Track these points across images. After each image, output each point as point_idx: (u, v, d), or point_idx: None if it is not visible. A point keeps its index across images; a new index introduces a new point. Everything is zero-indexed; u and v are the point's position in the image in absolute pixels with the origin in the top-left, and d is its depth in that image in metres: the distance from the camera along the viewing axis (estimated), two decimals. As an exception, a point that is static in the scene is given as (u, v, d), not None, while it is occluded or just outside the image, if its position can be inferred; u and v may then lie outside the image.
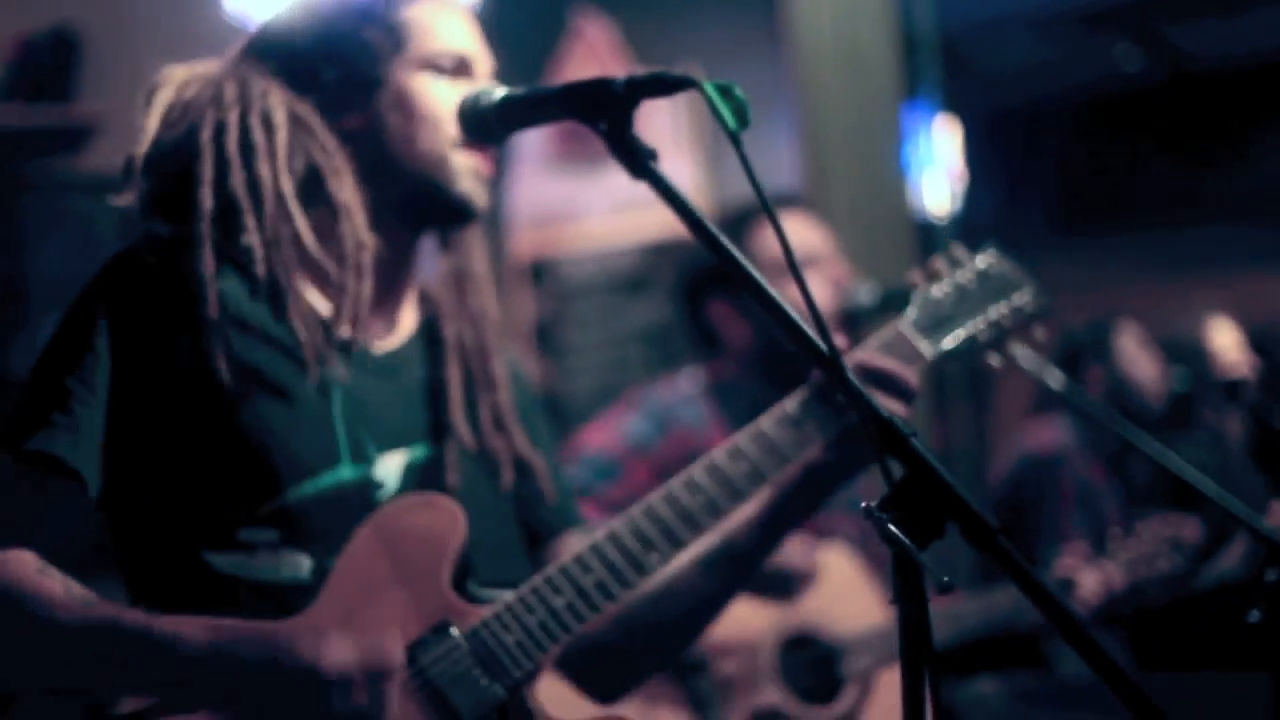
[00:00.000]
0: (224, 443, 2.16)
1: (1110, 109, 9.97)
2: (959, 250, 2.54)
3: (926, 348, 2.42)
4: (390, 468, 2.27)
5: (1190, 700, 3.88)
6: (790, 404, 2.37)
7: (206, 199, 2.20)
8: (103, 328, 2.15)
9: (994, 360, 2.51)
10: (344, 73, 2.30)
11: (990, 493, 5.68)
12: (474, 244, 2.48)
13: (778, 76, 5.47)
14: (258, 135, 2.24)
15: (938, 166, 7.73)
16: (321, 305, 2.27)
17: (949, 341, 2.44)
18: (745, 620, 3.57)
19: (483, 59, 2.37)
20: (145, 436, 2.15)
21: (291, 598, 2.15)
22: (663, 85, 1.94)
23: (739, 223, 3.82)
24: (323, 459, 2.20)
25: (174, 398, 2.15)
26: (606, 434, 3.85)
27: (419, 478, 2.30)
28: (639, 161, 1.92)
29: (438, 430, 2.35)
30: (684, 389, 3.94)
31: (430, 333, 2.43)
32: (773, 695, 3.63)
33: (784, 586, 3.66)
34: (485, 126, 2.21)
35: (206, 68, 2.33)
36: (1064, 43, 9.36)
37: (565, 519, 2.55)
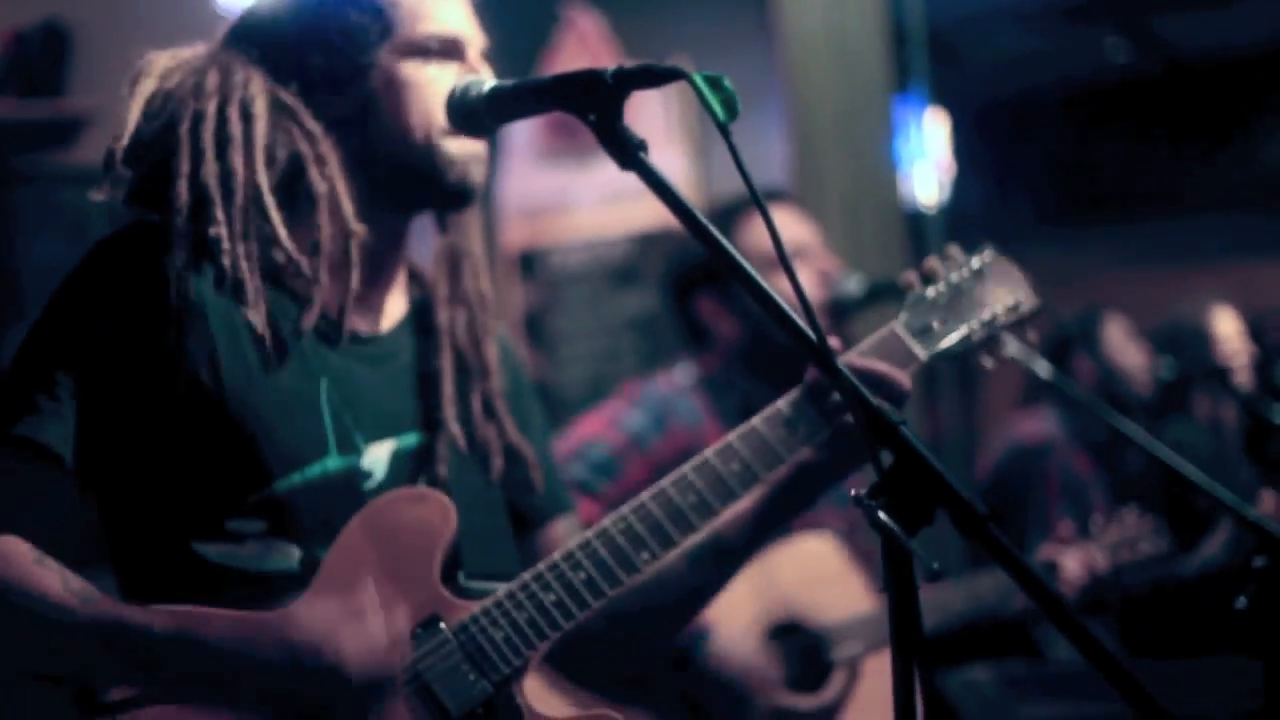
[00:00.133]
0: (210, 434, 2.16)
1: (1098, 100, 9.99)
2: (955, 250, 2.52)
3: (920, 349, 2.40)
4: (378, 456, 2.27)
5: (1179, 686, 3.90)
6: (783, 403, 2.36)
7: (183, 192, 2.19)
8: (87, 315, 2.15)
9: (987, 361, 2.50)
10: (330, 58, 2.27)
11: (978, 483, 5.70)
12: (470, 224, 2.46)
13: (767, 68, 5.48)
14: (234, 126, 2.21)
15: (927, 158, 7.74)
16: (297, 296, 2.25)
17: (943, 343, 2.42)
18: (731, 609, 3.58)
19: (475, 39, 2.34)
20: (131, 426, 2.15)
21: (281, 587, 2.15)
22: (652, 77, 1.95)
23: (726, 216, 3.83)
24: (310, 450, 2.20)
25: (158, 388, 2.15)
26: (605, 427, 3.84)
27: (408, 466, 2.30)
28: (628, 153, 1.93)
29: (427, 418, 2.35)
30: (680, 382, 3.94)
31: (421, 318, 2.42)
32: (760, 683, 3.64)
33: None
34: (474, 118, 2.21)
35: (190, 55, 2.31)
36: (1051, 35, 9.37)
37: (555, 505, 2.55)
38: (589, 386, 5.57)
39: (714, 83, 1.86)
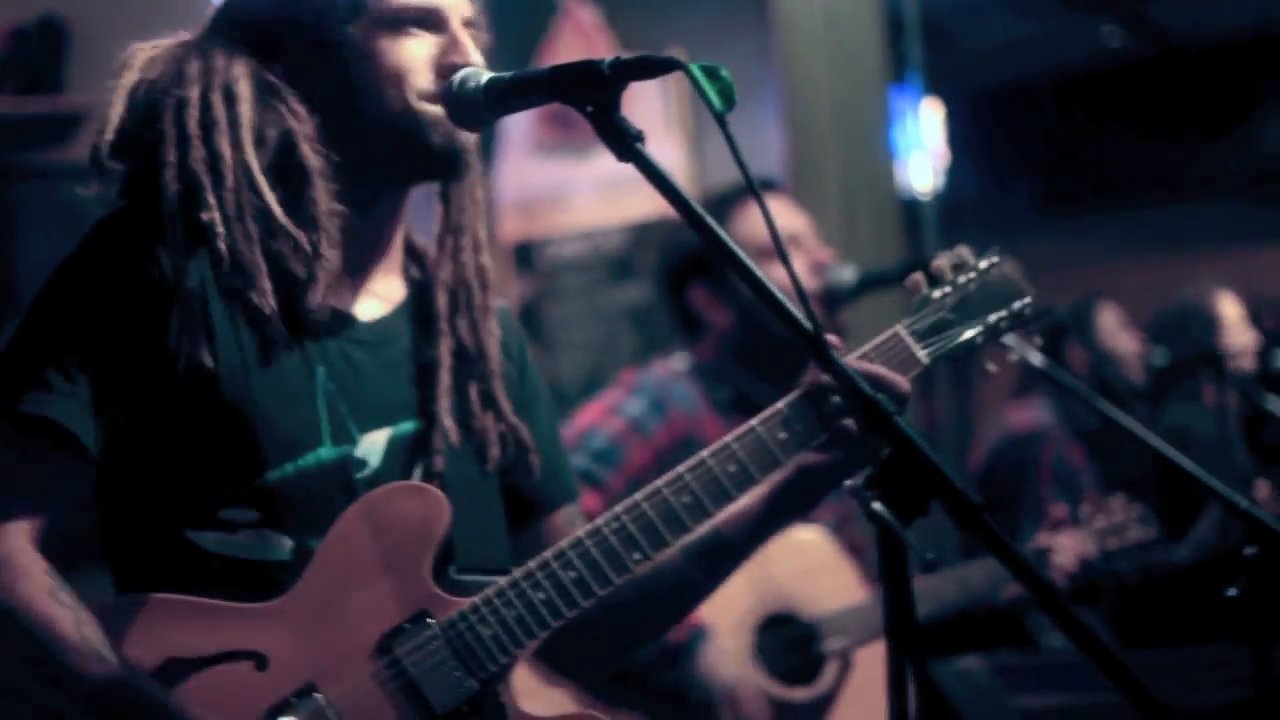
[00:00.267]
0: (205, 422, 2.16)
1: (1093, 88, 9.99)
2: (963, 252, 2.51)
3: (923, 352, 2.39)
4: (374, 445, 2.26)
5: (1171, 675, 3.91)
6: (782, 405, 2.33)
7: (172, 181, 2.18)
8: (83, 298, 2.16)
9: (990, 365, 2.49)
10: (308, 37, 2.26)
11: (971, 472, 5.71)
12: (469, 200, 2.42)
13: (763, 59, 5.48)
14: (219, 110, 2.21)
15: (923, 148, 7.73)
16: (297, 280, 2.23)
17: (947, 346, 2.40)
18: (725, 600, 3.59)
19: (457, 7, 2.30)
20: (127, 411, 2.15)
21: (274, 576, 2.16)
22: (649, 67, 1.95)
23: (721, 205, 3.83)
24: (303, 440, 2.20)
25: (154, 373, 2.15)
26: (603, 415, 3.84)
27: (404, 454, 2.29)
28: (626, 143, 1.93)
29: (424, 405, 2.33)
30: (678, 368, 3.95)
31: (420, 301, 2.40)
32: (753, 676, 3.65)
33: None
34: (472, 110, 2.19)
35: (172, 45, 2.30)
36: (1045, 21, 9.36)
37: (562, 494, 2.53)
38: (586, 377, 5.57)
39: (710, 73, 1.86)
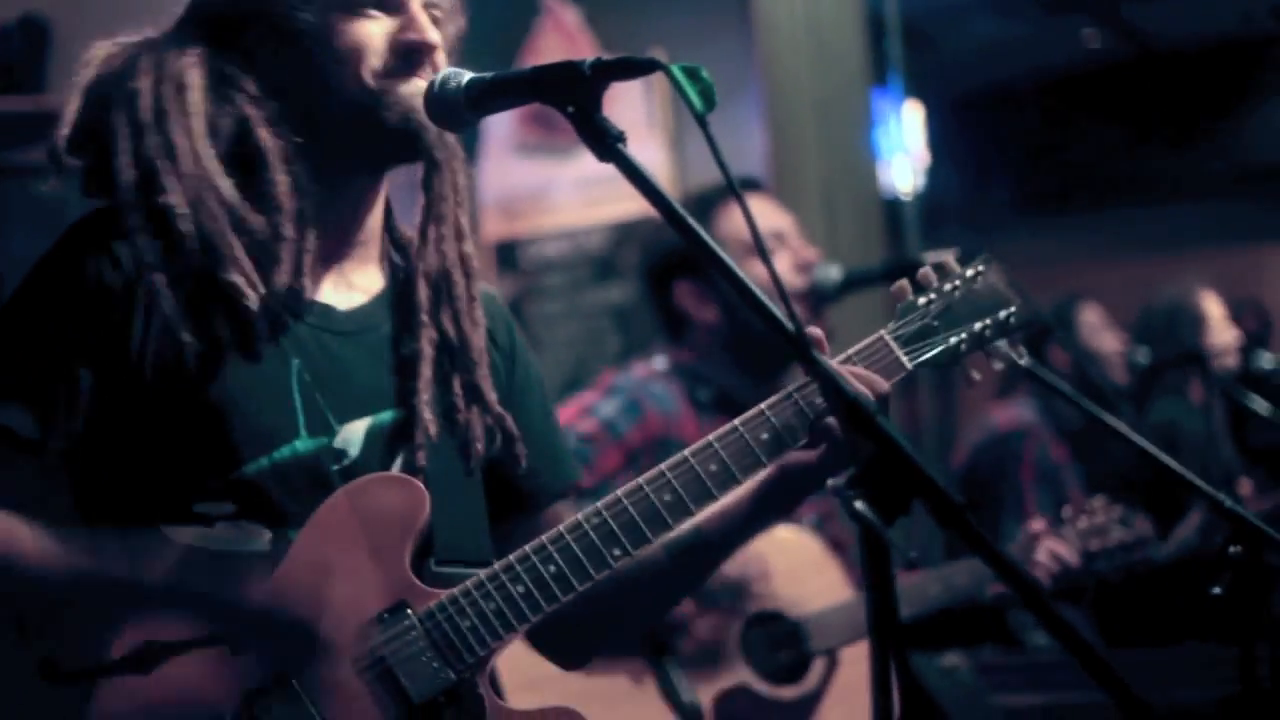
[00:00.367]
0: (180, 416, 2.16)
1: (1074, 89, 10.00)
2: (950, 259, 2.51)
3: (907, 358, 2.39)
4: (353, 435, 2.26)
5: (1155, 673, 3.92)
6: (765, 406, 2.33)
7: (126, 167, 2.19)
8: (54, 298, 2.17)
9: (975, 373, 2.49)
10: (267, 24, 2.26)
11: (955, 471, 5.72)
12: (448, 186, 2.40)
13: (745, 60, 5.48)
14: (169, 100, 2.21)
15: (905, 149, 7.73)
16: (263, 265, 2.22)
17: (930, 353, 2.41)
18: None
19: None
20: (101, 409, 2.15)
21: (251, 570, 2.16)
22: (630, 68, 1.95)
23: (702, 205, 3.83)
24: (279, 432, 2.20)
25: (121, 375, 2.15)
26: (576, 416, 3.85)
27: (384, 444, 2.28)
28: (607, 144, 1.93)
29: (404, 396, 2.32)
30: (658, 368, 3.95)
31: (401, 292, 2.38)
32: (739, 674, 3.65)
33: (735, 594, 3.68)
34: (453, 110, 2.18)
35: (131, 41, 2.31)
36: (1026, 24, 9.38)
37: (559, 484, 2.53)
38: (569, 376, 5.57)
39: (691, 74, 1.86)
